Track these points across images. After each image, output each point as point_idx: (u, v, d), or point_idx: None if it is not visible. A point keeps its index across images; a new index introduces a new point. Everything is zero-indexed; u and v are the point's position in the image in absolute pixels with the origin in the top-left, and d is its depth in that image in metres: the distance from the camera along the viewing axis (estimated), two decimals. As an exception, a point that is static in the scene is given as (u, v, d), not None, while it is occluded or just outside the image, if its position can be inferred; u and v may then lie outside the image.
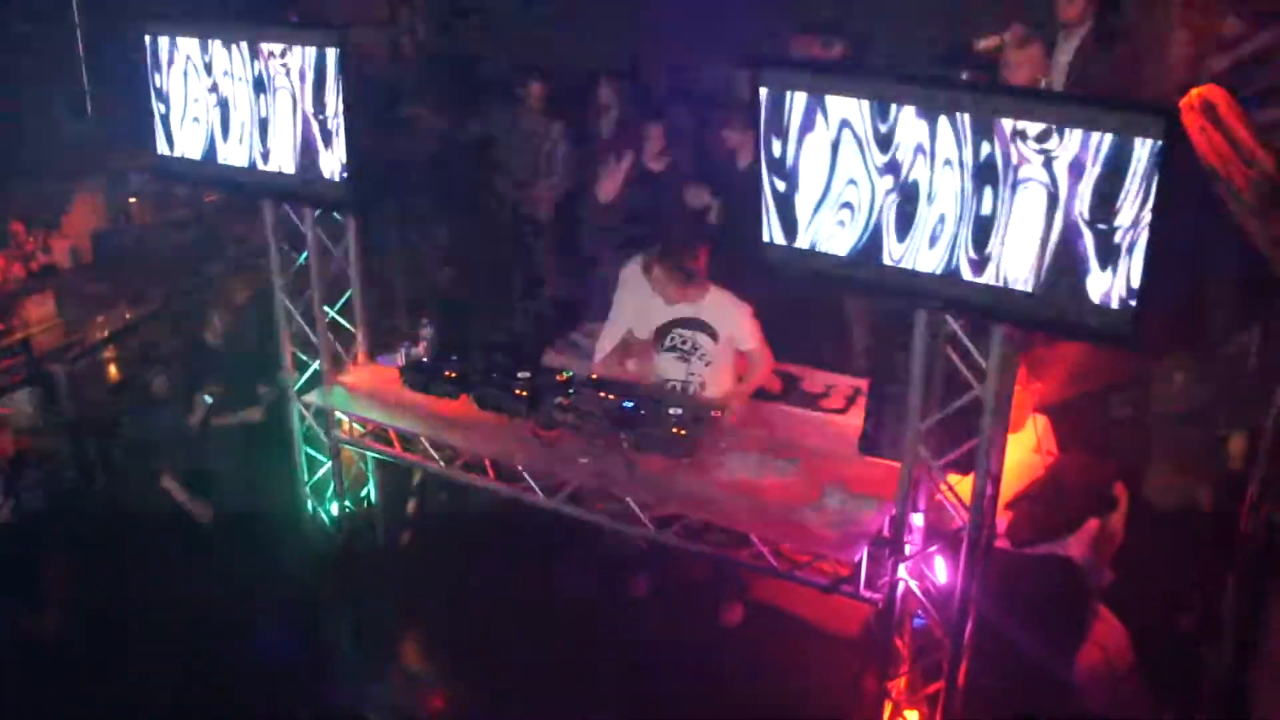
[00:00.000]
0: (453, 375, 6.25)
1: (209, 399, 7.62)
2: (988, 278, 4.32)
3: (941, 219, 4.36)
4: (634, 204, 7.66)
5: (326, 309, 6.63)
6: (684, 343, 6.12)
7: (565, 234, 7.98)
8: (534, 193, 8.00)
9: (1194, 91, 5.41)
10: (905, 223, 4.46)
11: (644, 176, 7.70)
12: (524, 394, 5.97)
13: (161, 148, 6.53)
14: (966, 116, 4.18)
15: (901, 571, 5.07)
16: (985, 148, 4.16)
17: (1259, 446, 5.25)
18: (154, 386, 7.65)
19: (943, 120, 4.23)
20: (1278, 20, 5.73)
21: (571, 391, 5.93)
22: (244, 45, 5.94)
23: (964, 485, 4.87)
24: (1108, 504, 5.97)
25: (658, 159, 7.74)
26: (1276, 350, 5.95)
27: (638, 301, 6.30)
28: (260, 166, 6.15)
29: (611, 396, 5.83)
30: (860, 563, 5.07)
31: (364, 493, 7.20)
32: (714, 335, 6.06)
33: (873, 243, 4.57)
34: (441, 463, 6.26)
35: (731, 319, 6.07)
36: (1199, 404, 6.48)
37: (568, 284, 7.77)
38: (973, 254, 4.32)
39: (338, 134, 5.77)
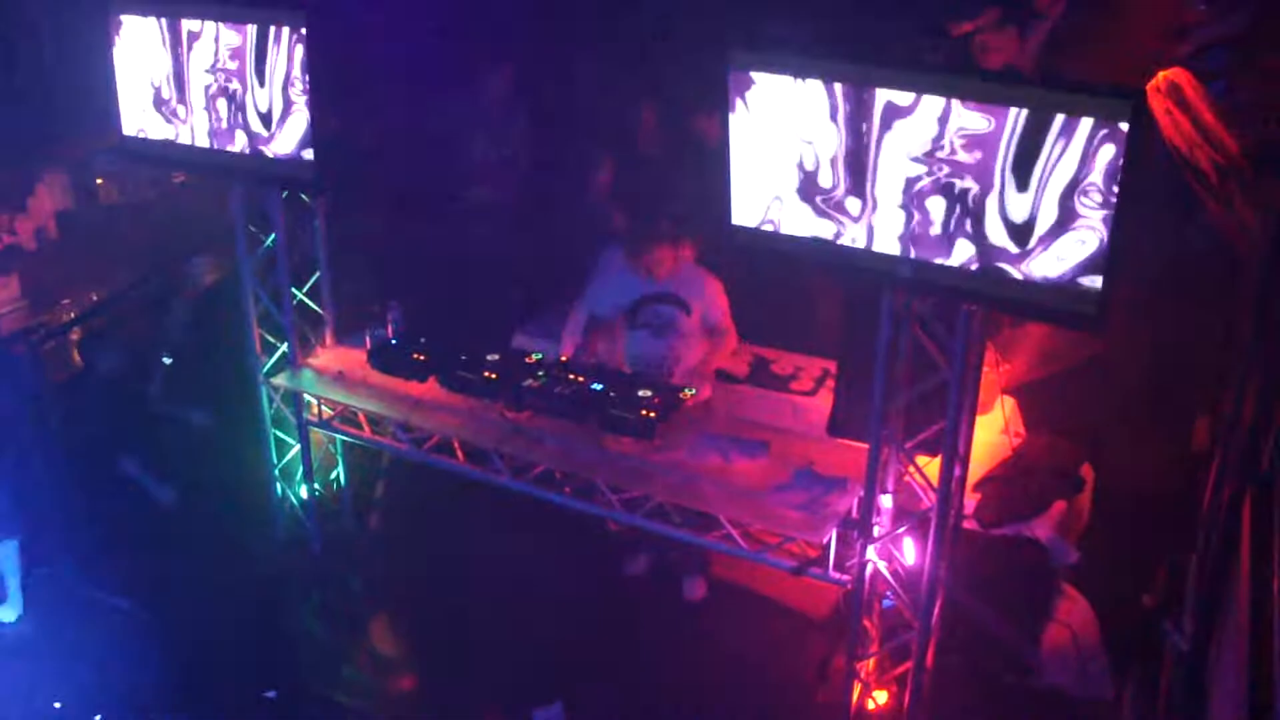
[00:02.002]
0: (421, 357, 6.23)
1: (167, 360, 7.57)
2: (954, 259, 4.34)
3: (908, 201, 4.37)
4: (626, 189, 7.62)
5: (294, 291, 6.58)
6: (657, 318, 6.12)
7: (534, 217, 7.93)
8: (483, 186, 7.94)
9: (1160, 74, 5.44)
10: (873, 204, 4.47)
11: (637, 161, 7.66)
12: (493, 376, 5.96)
13: (125, 128, 6.46)
14: (936, 98, 4.19)
15: (870, 553, 5.10)
16: (953, 129, 4.18)
17: (1221, 427, 5.29)
18: (102, 365, 7.59)
19: (912, 101, 4.24)
20: (1242, 4, 5.77)
21: (541, 374, 5.92)
22: (208, 22, 5.89)
23: (932, 467, 4.90)
24: (1074, 485, 6.02)
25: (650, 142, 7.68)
26: (1240, 331, 6.01)
27: (612, 281, 6.30)
28: (226, 147, 6.10)
29: (580, 379, 5.83)
30: (829, 544, 5.11)
31: (333, 475, 7.18)
32: (686, 309, 6.07)
33: (839, 224, 4.58)
34: (410, 445, 6.24)
35: (702, 293, 6.11)
36: (1164, 385, 6.52)
37: (536, 268, 7.71)
38: (938, 235, 4.34)
39: (305, 114, 5.73)
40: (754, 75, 4.57)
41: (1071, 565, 5.85)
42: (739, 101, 4.65)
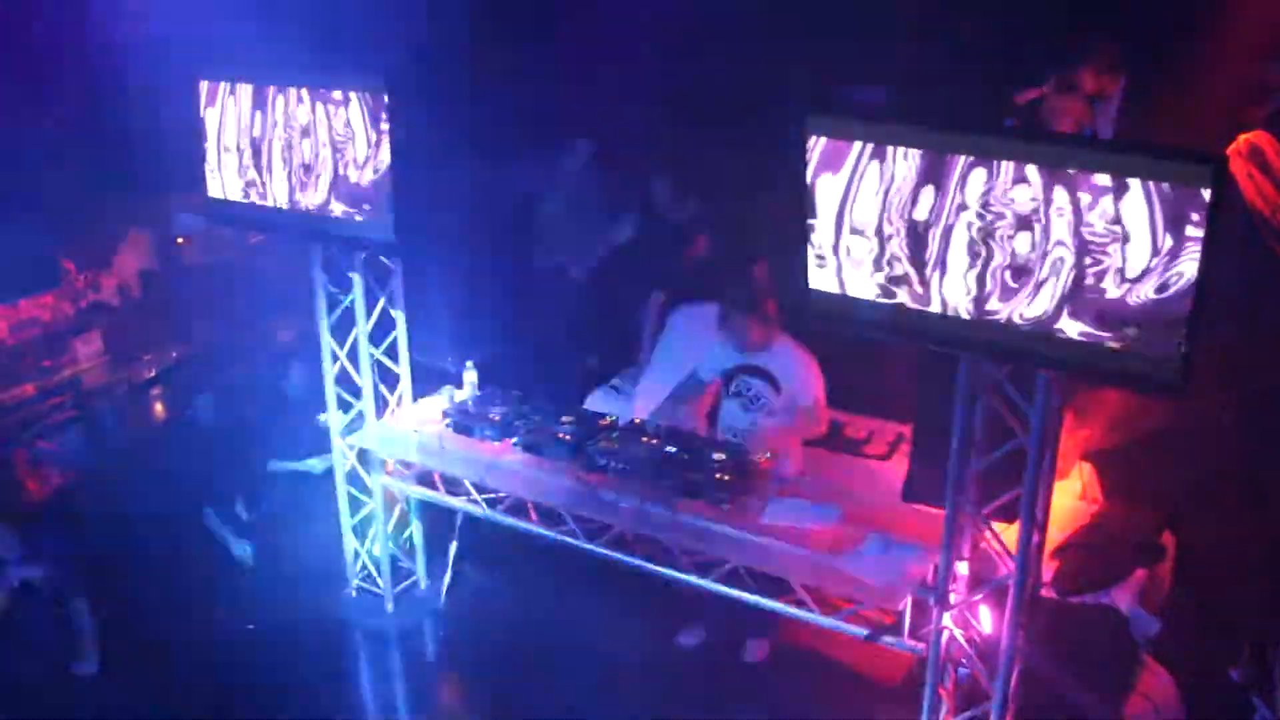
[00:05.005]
0: (496, 418, 6.27)
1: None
2: (1031, 324, 4.30)
3: (984, 266, 4.34)
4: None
5: (372, 350, 6.67)
6: (748, 390, 6.13)
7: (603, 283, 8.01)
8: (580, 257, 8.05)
9: (1242, 137, 5.41)
10: (950, 269, 4.44)
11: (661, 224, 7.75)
12: (567, 437, 5.98)
13: (210, 190, 6.61)
14: (1011, 164, 4.18)
15: (946, 620, 5.03)
16: (1030, 194, 4.16)
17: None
18: (196, 408, 7.76)
19: (988, 167, 4.22)
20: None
21: (615, 435, 5.94)
22: (294, 90, 6.03)
23: (1009, 533, 4.83)
24: (1155, 553, 5.92)
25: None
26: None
27: (702, 347, 6.32)
28: (307, 209, 6.21)
29: (654, 441, 5.84)
30: (904, 611, 5.04)
31: (406, 534, 7.22)
32: (776, 386, 6.07)
33: (915, 289, 4.56)
34: (484, 505, 6.27)
35: (796, 373, 6.08)
36: (1247, 450, 6.41)
37: (607, 330, 7.78)
38: (1015, 301, 4.30)
39: (385, 177, 5.83)
40: (829, 140, 4.58)
41: (1153, 636, 5.73)
42: (814, 166, 4.66)
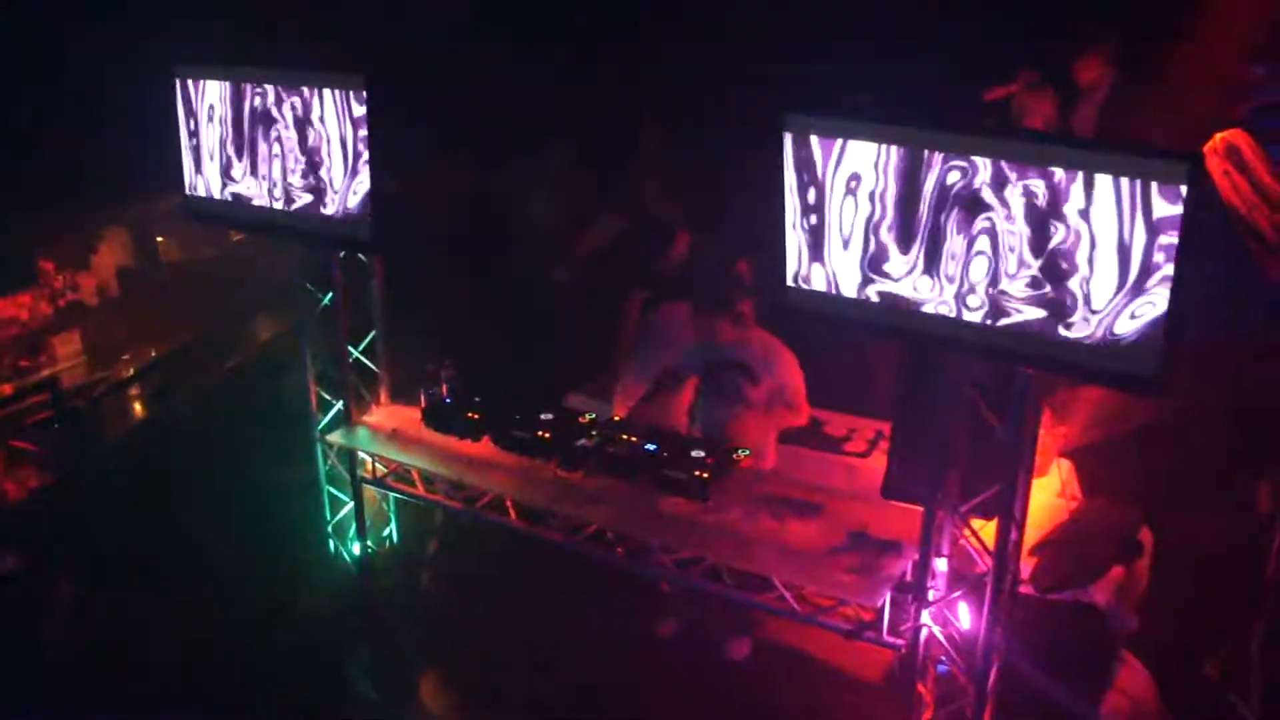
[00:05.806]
0: (475, 416, 6.25)
1: None
2: (1010, 322, 4.32)
3: (964, 264, 4.36)
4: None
5: (351, 349, 6.65)
6: (728, 384, 6.13)
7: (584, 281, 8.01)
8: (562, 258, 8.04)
9: (1218, 135, 5.42)
10: (932, 266, 4.45)
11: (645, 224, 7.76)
12: (546, 435, 5.97)
13: (190, 188, 6.59)
14: (989, 161, 4.19)
15: (925, 617, 5.04)
16: (1007, 192, 4.17)
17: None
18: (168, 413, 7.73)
19: (965, 164, 4.23)
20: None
21: (594, 433, 5.93)
22: (273, 87, 6.01)
23: (988, 530, 4.84)
24: (1133, 549, 5.93)
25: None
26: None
27: (679, 344, 6.33)
28: (286, 207, 6.19)
29: (634, 439, 5.83)
30: (883, 608, 5.04)
31: (386, 532, 7.21)
32: (754, 379, 6.08)
33: (894, 286, 4.57)
34: (463, 503, 6.26)
35: (775, 366, 6.10)
36: (1225, 447, 6.44)
37: (587, 328, 7.77)
38: (995, 298, 4.32)
39: (364, 176, 5.81)
40: (810, 138, 4.59)
41: (1130, 632, 5.75)
42: (791, 163, 4.67)
